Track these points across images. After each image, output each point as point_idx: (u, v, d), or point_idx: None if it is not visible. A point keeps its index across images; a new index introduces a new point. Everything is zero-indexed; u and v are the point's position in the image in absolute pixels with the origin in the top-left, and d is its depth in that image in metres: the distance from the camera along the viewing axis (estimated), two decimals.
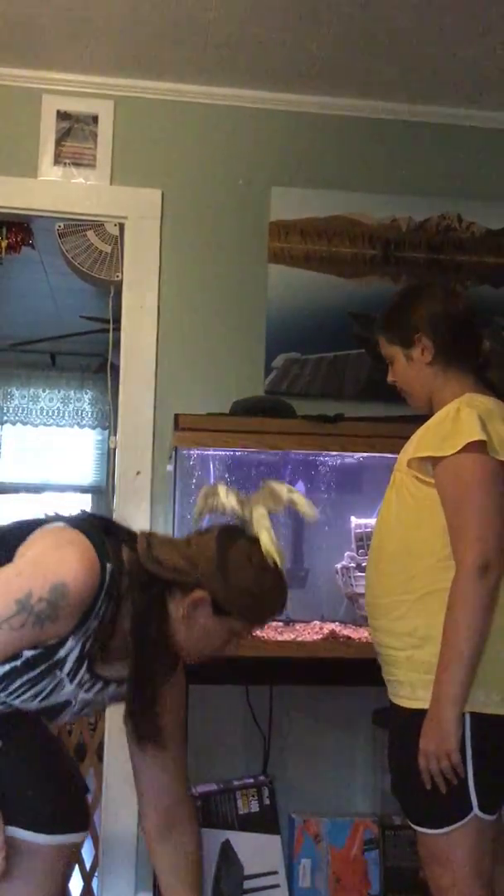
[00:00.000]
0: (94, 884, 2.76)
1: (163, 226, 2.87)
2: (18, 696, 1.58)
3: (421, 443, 1.82)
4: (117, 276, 2.86)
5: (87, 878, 2.78)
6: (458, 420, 1.76)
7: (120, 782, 2.67)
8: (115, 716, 2.68)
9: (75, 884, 2.66)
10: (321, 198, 2.91)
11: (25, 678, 1.56)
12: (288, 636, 2.48)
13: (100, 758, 2.80)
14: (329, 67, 2.78)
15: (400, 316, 1.97)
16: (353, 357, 2.88)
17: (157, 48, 2.71)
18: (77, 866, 2.72)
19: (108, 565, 1.58)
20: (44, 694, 1.59)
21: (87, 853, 2.81)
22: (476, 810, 1.69)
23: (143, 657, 1.63)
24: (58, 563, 1.54)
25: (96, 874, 2.75)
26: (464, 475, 1.73)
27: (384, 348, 2.00)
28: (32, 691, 1.58)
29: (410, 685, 1.76)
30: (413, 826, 1.79)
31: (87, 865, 2.79)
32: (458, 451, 1.73)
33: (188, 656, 1.73)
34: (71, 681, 1.60)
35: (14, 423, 5.85)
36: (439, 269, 2.92)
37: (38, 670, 1.56)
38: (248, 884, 2.51)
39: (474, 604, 1.68)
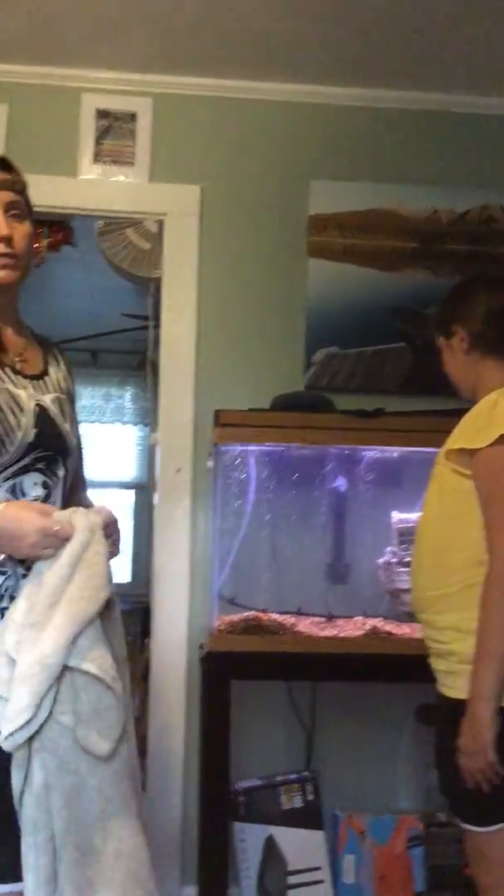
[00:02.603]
0: None
1: (202, 222, 2.87)
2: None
3: (457, 434, 1.82)
4: (157, 273, 2.87)
5: None
6: (493, 411, 1.75)
7: (164, 776, 2.69)
8: (159, 710, 2.70)
9: None
10: (360, 191, 2.89)
11: None
12: (330, 632, 2.47)
13: (143, 752, 2.82)
14: (367, 59, 2.76)
15: (444, 308, 2.01)
16: (393, 351, 2.86)
17: (194, 44, 2.71)
18: None
19: None
20: (9, 417, 1.53)
21: None
22: None
23: None
24: None
25: None
26: (496, 467, 1.72)
27: (435, 341, 2.03)
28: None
29: (453, 676, 1.75)
30: (459, 823, 1.78)
31: None
32: (493, 444, 1.72)
33: None
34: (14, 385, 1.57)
35: None
36: (481, 261, 2.88)
37: None
38: (291, 879, 2.52)
39: (502, 604, 1.66)
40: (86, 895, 1.43)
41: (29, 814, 1.41)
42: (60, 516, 1.50)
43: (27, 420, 1.56)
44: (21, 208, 1.65)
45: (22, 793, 1.42)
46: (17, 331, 1.68)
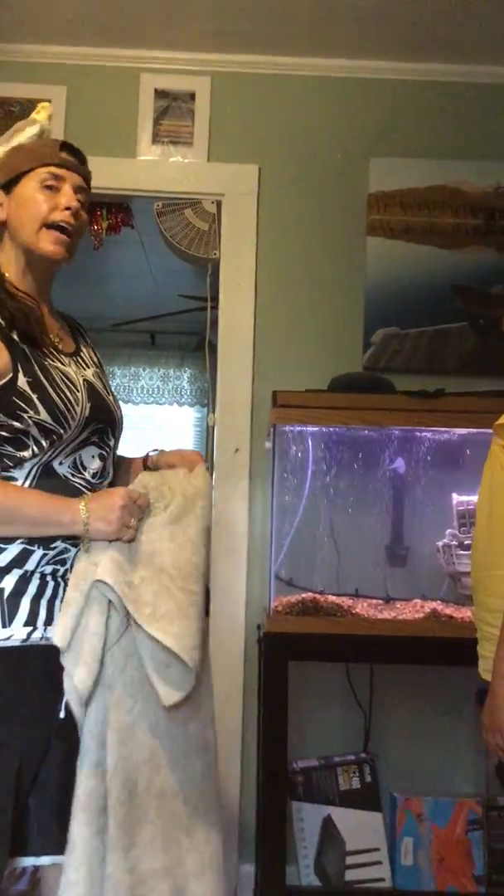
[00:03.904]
0: None
1: (260, 202, 2.85)
2: (63, 418, 1.57)
3: None
4: (215, 254, 2.87)
5: None
6: None
7: (222, 755, 2.70)
8: (218, 690, 2.72)
9: None
10: (421, 167, 2.84)
11: (38, 398, 1.55)
12: (388, 614, 2.46)
13: None
14: (426, 33, 2.70)
15: None
16: (454, 330, 2.81)
17: (251, 22, 2.68)
18: None
19: None
20: (68, 393, 1.58)
21: None
22: None
23: None
24: None
25: None
26: None
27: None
28: (59, 400, 1.57)
29: (493, 664, 1.72)
30: None
31: None
32: None
33: (41, 239, 1.63)
34: (62, 363, 1.62)
35: None
36: None
37: (33, 379, 1.56)
38: (350, 859, 2.52)
39: None
40: (129, 832, 1.48)
41: (86, 746, 1.49)
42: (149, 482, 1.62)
43: (82, 395, 1.61)
44: (85, 198, 1.69)
45: (82, 726, 1.50)
46: (50, 311, 1.72)
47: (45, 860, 1.51)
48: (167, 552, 1.58)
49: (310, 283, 2.86)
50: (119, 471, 1.75)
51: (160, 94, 2.87)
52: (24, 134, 1.70)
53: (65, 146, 1.69)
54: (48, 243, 1.63)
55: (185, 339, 5.60)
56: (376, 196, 2.83)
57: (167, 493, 1.63)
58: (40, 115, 1.74)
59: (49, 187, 1.64)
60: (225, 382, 2.83)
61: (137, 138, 2.86)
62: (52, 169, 1.65)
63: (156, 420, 6.01)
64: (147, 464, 1.80)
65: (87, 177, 1.71)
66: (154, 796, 1.53)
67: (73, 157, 1.69)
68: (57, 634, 1.50)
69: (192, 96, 2.87)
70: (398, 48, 2.79)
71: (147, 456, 1.81)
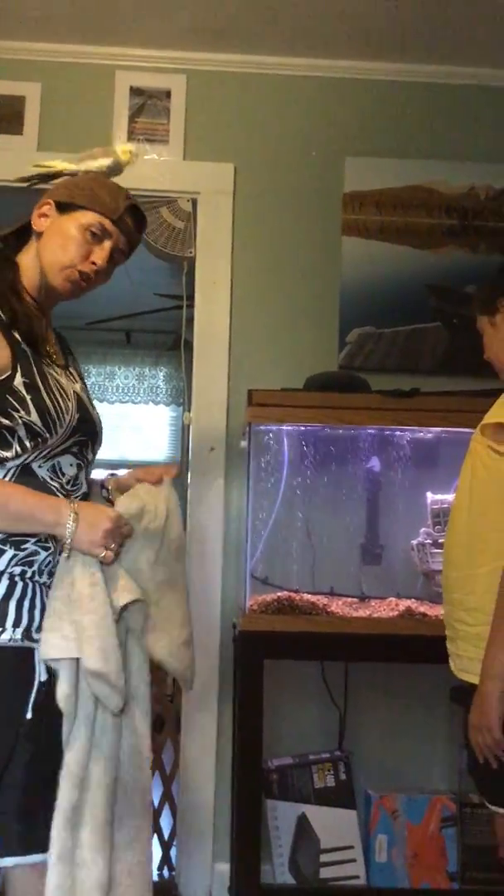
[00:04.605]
0: (173, 853, 2.81)
1: (235, 200, 2.85)
2: (56, 420, 1.59)
3: (494, 410, 1.80)
4: (190, 252, 2.86)
5: (165, 847, 2.83)
6: None
7: (197, 754, 2.71)
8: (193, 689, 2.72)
9: (155, 854, 2.71)
10: (396, 167, 2.85)
11: (30, 398, 1.56)
12: (363, 612, 2.47)
13: (177, 729, 2.85)
14: (402, 34, 2.71)
15: (490, 286, 1.98)
16: (429, 330, 2.83)
17: (227, 21, 2.68)
18: (156, 836, 2.77)
19: None
20: (60, 400, 1.60)
21: (165, 824, 2.87)
22: None
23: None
24: None
25: (174, 844, 2.80)
26: None
27: (478, 323, 1.99)
28: (51, 405, 1.58)
29: (479, 662, 1.73)
30: (488, 805, 1.77)
31: (166, 835, 2.84)
32: None
33: (59, 280, 1.67)
34: (54, 370, 1.64)
35: None
36: None
37: (29, 381, 1.57)
38: (324, 857, 2.53)
39: None
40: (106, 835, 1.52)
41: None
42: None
43: (72, 405, 1.63)
44: (121, 259, 1.73)
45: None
46: (48, 324, 1.74)
47: (7, 861, 1.51)
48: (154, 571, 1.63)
49: (285, 282, 2.86)
50: (91, 489, 1.75)
51: (136, 91, 2.86)
52: (97, 163, 1.75)
53: (132, 208, 1.71)
54: (63, 280, 1.66)
55: (161, 337, 5.58)
56: (352, 196, 2.84)
57: (149, 512, 1.64)
58: (124, 155, 1.77)
59: (93, 234, 1.66)
60: (200, 381, 2.82)
61: (112, 136, 2.85)
62: (106, 222, 1.67)
63: (131, 419, 6.00)
64: (105, 486, 1.79)
65: (135, 244, 1.74)
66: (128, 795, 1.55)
67: (134, 221, 1.71)
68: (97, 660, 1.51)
69: (168, 94, 2.87)
70: (374, 48, 2.80)
71: (104, 480, 1.80)
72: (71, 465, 1.64)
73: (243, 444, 2.66)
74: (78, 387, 1.71)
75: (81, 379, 1.77)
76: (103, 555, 1.55)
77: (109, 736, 1.53)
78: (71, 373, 1.72)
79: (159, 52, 2.85)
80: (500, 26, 2.66)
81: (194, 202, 2.86)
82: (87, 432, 1.68)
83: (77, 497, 1.64)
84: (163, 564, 1.64)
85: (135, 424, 5.99)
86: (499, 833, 1.80)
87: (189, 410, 2.88)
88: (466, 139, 2.90)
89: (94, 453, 1.72)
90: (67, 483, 1.63)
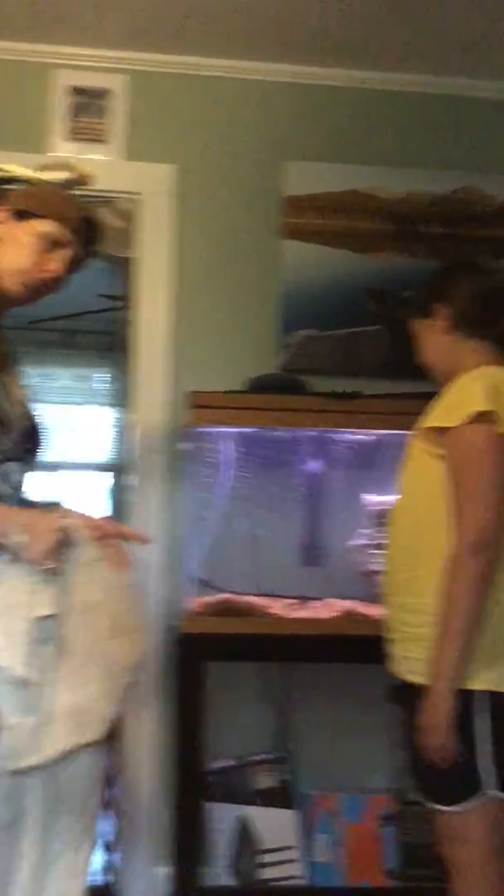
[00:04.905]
0: (116, 857, 2.79)
1: (177, 202, 2.84)
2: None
3: (432, 414, 1.82)
4: (131, 253, 2.85)
5: (108, 851, 2.81)
6: (467, 391, 1.76)
7: (139, 757, 2.69)
8: (133, 692, 2.70)
9: (97, 858, 2.69)
10: (336, 172, 2.87)
11: None
12: (304, 613, 2.48)
13: (117, 733, 2.82)
14: (344, 39, 2.74)
15: (426, 289, 1.99)
16: (369, 333, 2.86)
17: (170, 21, 2.67)
18: (98, 841, 2.74)
19: None
20: (12, 407, 1.59)
21: (109, 827, 2.84)
22: (490, 788, 1.69)
23: None
24: None
25: (116, 849, 2.77)
26: (466, 446, 1.73)
27: (412, 326, 2.00)
28: (6, 412, 1.58)
29: (424, 663, 1.75)
30: (427, 803, 1.80)
31: (108, 840, 2.82)
32: (464, 423, 1.72)
33: (14, 285, 1.66)
34: None
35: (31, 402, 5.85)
36: (457, 243, 2.88)
37: None
38: (264, 858, 2.53)
39: (467, 581, 1.67)
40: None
41: None
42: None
43: (23, 410, 1.63)
44: (77, 270, 1.73)
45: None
46: (1, 331, 1.73)
47: None
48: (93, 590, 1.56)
49: (227, 284, 2.86)
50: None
51: (76, 90, 2.84)
52: (51, 174, 1.72)
53: (88, 220, 1.71)
54: (20, 286, 1.65)
55: (103, 338, 5.54)
56: (291, 199, 2.86)
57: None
58: (76, 171, 1.73)
59: (51, 243, 1.65)
60: (141, 383, 2.81)
61: (52, 135, 2.82)
62: (64, 232, 1.66)
63: (72, 420, 5.94)
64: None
65: (90, 255, 1.74)
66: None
67: (89, 233, 1.71)
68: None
69: (109, 94, 2.85)
70: (314, 53, 2.82)
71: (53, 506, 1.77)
72: (15, 471, 1.63)
73: (185, 446, 2.65)
74: (25, 391, 1.70)
75: (23, 386, 1.75)
76: (48, 566, 1.52)
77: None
78: (13, 379, 1.70)
79: (100, 51, 2.83)
80: (435, 33, 2.70)
81: (135, 203, 2.85)
82: (33, 439, 1.67)
83: (23, 503, 1.62)
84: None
85: (76, 426, 5.93)
86: (436, 830, 1.82)
87: (130, 412, 2.86)
88: (404, 145, 2.94)
89: (39, 457, 1.71)
90: (15, 489, 1.62)
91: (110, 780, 2.87)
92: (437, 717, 1.68)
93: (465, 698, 1.69)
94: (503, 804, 1.72)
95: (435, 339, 1.93)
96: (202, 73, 2.88)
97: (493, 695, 1.70)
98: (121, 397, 5.75)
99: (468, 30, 2.66)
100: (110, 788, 2.88)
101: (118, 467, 5.86)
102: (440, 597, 1.70)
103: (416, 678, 1.77)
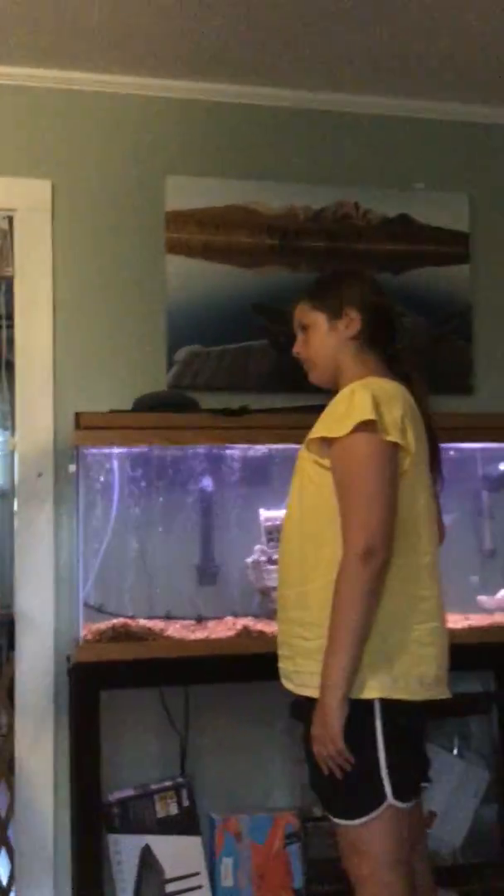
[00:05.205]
0: None
1: (54, 218, 2.77)
2: None
3: (318, 425, 1.83)
4: (8, 271, 2.76)
5: (3, 893, 2.70)
6: (351, 401, 1.77)
7: (33, 793, 2.59)
8: (26, 725, 2.60)
9: None
10: (217, 187, 2.86)
11: None
12: (200, 634, 2.44)
13: (10, 769, 2.72)
14: (222, 54, 2.73)
15: (333, 286, 1.98)
16: (256, 348, 2.85)
17: (41, 34, 2.61)
18: None
19: None
20: None
21: (3, 867, 2.73)
22: (390, 799, 1.70)
23: None
24: None
25: (13, 889, 2.66)
26: (352, 455, 1.74)
27: (304, 314, 1.98)
28: None
29: (319, 676, 1.74)
30: (331, 818, 1.79)
31: (4, 881, 2.70)
32: (350, 433, 1.73)
33: None
34: None
35: None
36: (338, 257, 2.91)
37: None
38: (169, 887, 2.48)
39: (355, 591, 1.68)
40: None
41: None
42: None
43: None
44: None
45: None
46: None
47: None
48: None
49: (110, 302, 2.81)
50: None
51: None
52: None
53: None
54: None
55: None
56: (173, 214, 2.83)
57: None
58: None
59: None
60: (24, 404, 2.72)
61: None
62: None
63: None
64: None
65: None
66: None
67: None
68: None
69: None
70: (191, 67, 2.81)
71: None
72: None
73: (72, 468, 2.58)
74: None
75: None
76: None
77: None
78: None
79: None
80: (314, 50, 2.72)
81: (10, 219, 2.76)
82: None
83: None
84: None
85: None
86: (339, 843, 1.81)
87: (14, 435, 2.77)
88: (285, 160, 2.95)
89: None
90: None
91: (3, 819, 2.77)
92: (328, 726, 1.67)
93: (359, 708, 1.69)
94: (402, 813, 1.73)
95: (333, 339, 1.93)
96: (76, 88, 2.82)
97: (385, 702, 1.70)
98: (5, 419, 5.61)
99: (344, 46, 2.70)
100: (4, 827, 2.77)
101: (4, 491, 5.71)
102: (332, 606, 1.70)
103: (308, 692, 1.76)
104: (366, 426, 1.72)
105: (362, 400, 1.75)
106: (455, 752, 2.76)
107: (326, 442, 1.79)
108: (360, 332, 1.91)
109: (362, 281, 2.01)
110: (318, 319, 1.95)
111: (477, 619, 2.58)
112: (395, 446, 1.74)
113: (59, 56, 2.72)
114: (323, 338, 1.95)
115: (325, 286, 2.00)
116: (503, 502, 2.85)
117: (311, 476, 1.83)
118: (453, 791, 2.69)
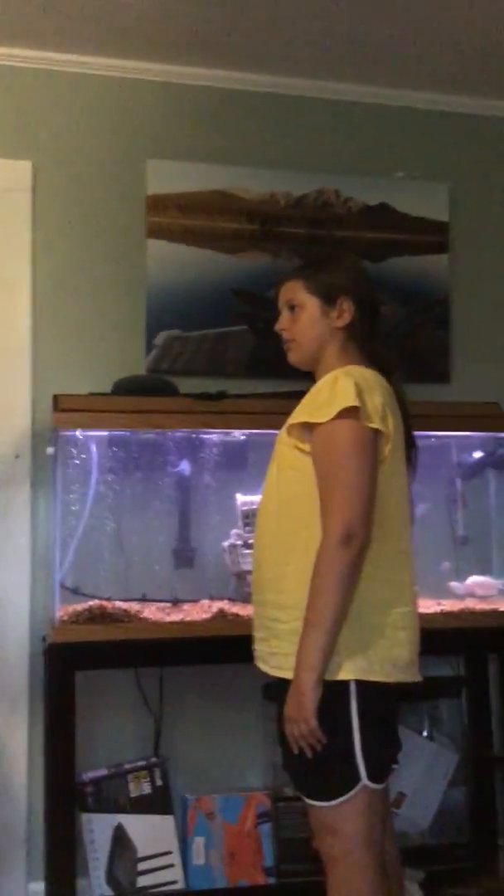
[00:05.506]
0: None
1: (35, 199, 2.76)
2: None
3: (299, 410, 1.84)
4: None
5: None
6: (334, 388, 1.78)
7: (7, 771, 2.61)
8: (2, 705, 2.61)
9: None
10: (199, 171, 2.86)
11: None
12: (176, 617, 2.46)
13: None
14: (206, 38, 2.73)
15: (330, 271, 1.96)
16: (235, 333, 2.86)
17: (25, 15, 2.59)
18: None
19: None
20: None
21: None
22: (364, 780, 1.73)
23: None
24: None
25: None
26: (335, 440, 1.75)
27: (295, 292, 1.95)
28: None
29: (295, 658, 1.76)
30: (304, 798, 1.81)
31: None
32: (332, 419, 1.75)
33: None
34: None
35: None
36: (318, 244, 2.92)
37: None
38: (142, 865, 2.51)
39: (334, 573, 1.70)
40: None
41: None
42: None
43: None
44: None
45: None
46: None
47: None
48: None
49: (90, 284, 2.81)
50: None
51: None
52: None
53: None
54: None
55: None
56: (154, 198, 2.83)
57: None
58: None
59: None
60: (2, 385, 2.71)
61: None
62: None
63: None
64: None
65: None
66: None
67: None
68: None
69: None
70: (178, 51, 2.80)
71: None
72: None
73: (50, 450, 2.58)
74: None
75: None
76: None
77: None
78: None
79: None
80: (296, 36, 2.73)
81: None
82: None
83: None
84: None
85: None
86: (312, 824, 1.84)
87: None
88: (266, 146, 2.96)
89: None
90: None
91: None
92: (302, 706, 1.70)
93: (334, 689, 1.72)
94: (375, 794, 1.76)
95: (323, 326, 1.92)
96: (59, 69, 2.81)
97: (360, 684, 1.73)
98: None
99: (327, 34, 2.70)
100: None
101: None
102: (309, 589, 1.72)
103: (284, 673, 1.78)
104: (349, 412, 1.74)
105: (345, 386, 1.76)
106: (425, 734, 2.81)
107: (308, 427, 1.80)
108: (349, 323, 1.93)
109: (358, 271, 2.00)
110: (311, 303, 1.93)
111: (449, 605, 2.62)
112: (376, 433, 1.77)
113: (41, 37, 2.71)
114: (313, 322, 1.93)
115: (321, 269, 1.98)
116: (477, 490, 2.88)
117: (291, 461, 1.85)
118: (423, 773, 2.74)
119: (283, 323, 1.98)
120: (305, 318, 1.94)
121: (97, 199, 2.83)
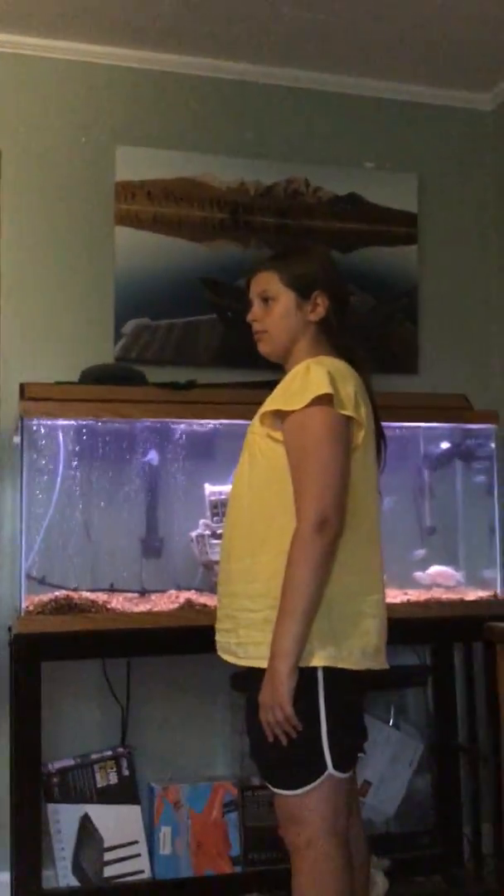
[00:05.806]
0: None
1: (1, 185, 2.73)
2: None
3: (272, 398, 1.84)
4: None
5: None
6: (307, 376, 1.79)
7: None
8: None
9: None
10: (168, 159, 2.84)
11: None
12: (144, 607, 2.46)
13: None
14: (176, 25, 2.71)
15: (305, 264, 1.95)
16: (204, 323, 2.85)
17: None
18: None
19: None
20: None
21: None
22: (331, 769, 1.73)
23: None
24: None
25: None
26: (308, 428, 1.76)
27: (269, 284, 1.94)
28: None
29: (267, 646, 1.76)
30: (270, 787, 1.82)
31: None
32: (305, 406, 1.75)
33: None
34: None
35: None
36: (288, 233, 2.91)
37: None
38: (108, 855, 2.50)
39: (309, 560, 1.70)
40: None
41: None
42: None
43: None
44: None
45: None
46: None
47: None
48: None
49: (57, 272, 2.78)
50: None
51: None
52: None
53: None
54: None
55: None
56: (123, 185, 2.81)
57: None
58: None
59: None
60: None
61: None
62: None
63: None
64: None
65: None
66: None
67: None
68: None
69: None
70: (148, 37, 2.78)
71: None
72: None
73: (16, 439, 2.56)
74: None
75: None
76: None
77: None
78: None
79: None
80: (269, 24, 2.71)
81: None
82: None
83: None
84: None
85: None
86: (277, 813, 1.85)
87: None
88: (236, 134, 2.94)
89: None
90: None
91: None
92: (277, 693, 1.70)
93: (303, 676, 1.72)
94: (341, 783, 1.77)
95: (296, 320, 1.92)
96: (26, 53, 2.77)
97: (329, 671, 1.74)
98: None
99: (302, 22, 2.69)
100: None
101: None
102: (283, 577, 1.72)
103: (255, 662, 1.78)
104: (322, 400, 1.75)
105: (318, 375, 1.77)
106: (391, 723, 2.83)
107: (280, 415, 1.80)
108: (326, 318, 1.92)
109: (330, 264, 2.00)
110: (285, 296, 1.92)
111: (415, 594, 2.64)
112: (349, 420, 1.77)
113: (7, 20, 2.67)
114: (286, 315, 1.93)
115: (296, 262, 1.96)
116: (444, 481, 2.90)
117: (263, 450, 1.84)
118: (388, 761, 2.76)
119: (255, 314, 1.97)
120: (279, 311, 1.94)
121: (65, 185, 2.80)
